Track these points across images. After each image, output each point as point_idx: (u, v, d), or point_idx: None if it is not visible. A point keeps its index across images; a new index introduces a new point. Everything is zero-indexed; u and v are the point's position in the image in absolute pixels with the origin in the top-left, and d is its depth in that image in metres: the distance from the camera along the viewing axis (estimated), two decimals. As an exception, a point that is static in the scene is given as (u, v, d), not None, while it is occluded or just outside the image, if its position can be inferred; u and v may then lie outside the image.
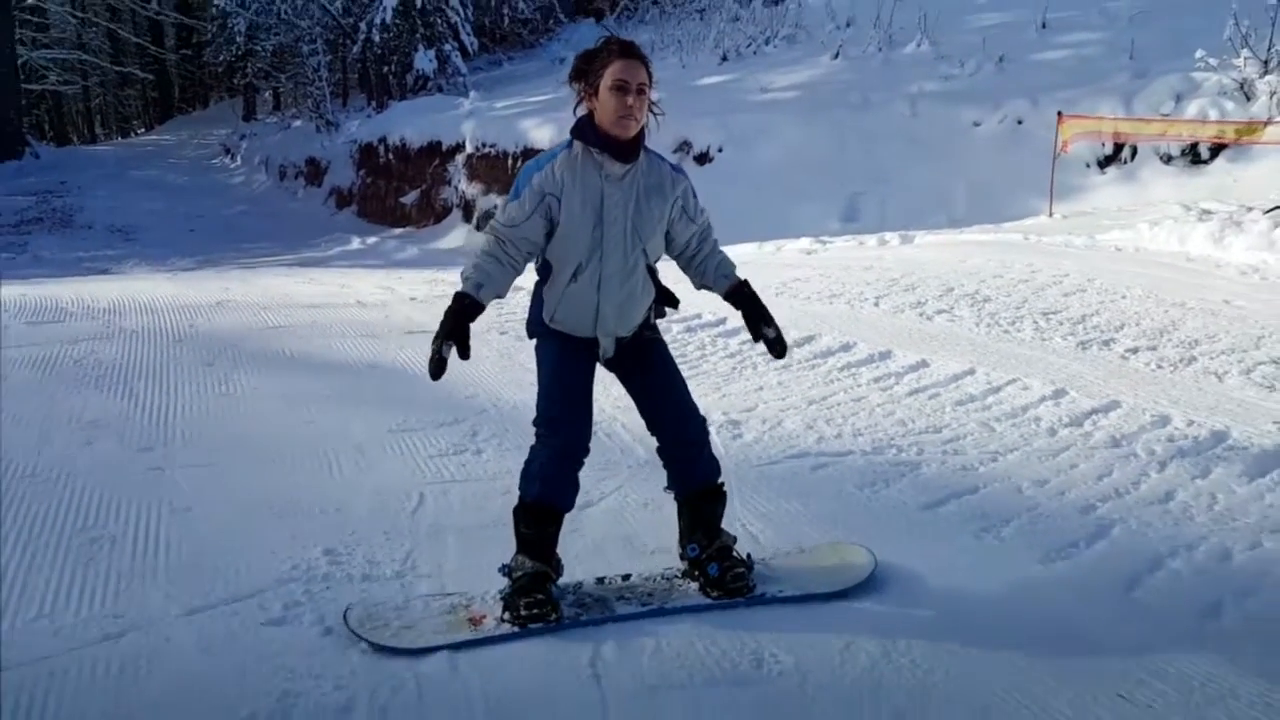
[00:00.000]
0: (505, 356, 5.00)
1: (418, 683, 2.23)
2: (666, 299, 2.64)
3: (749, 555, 2.66)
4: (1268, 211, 6.65)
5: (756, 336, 2.58)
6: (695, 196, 2.60)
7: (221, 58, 27.72)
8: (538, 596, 2.42)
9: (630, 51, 2.42)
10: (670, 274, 2.63)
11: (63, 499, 3.24)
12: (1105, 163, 10.68)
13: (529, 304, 2.60)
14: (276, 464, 3.56)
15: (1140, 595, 2.64)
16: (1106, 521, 3.04)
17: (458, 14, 20.93)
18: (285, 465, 3.55)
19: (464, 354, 2.37)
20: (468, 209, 15.42)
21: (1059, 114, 9.30)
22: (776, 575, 2.67)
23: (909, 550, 2.86)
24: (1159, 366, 4.49)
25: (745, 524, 3.03)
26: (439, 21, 20.78)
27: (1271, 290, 5.64)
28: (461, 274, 2.48)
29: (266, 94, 31.49)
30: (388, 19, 20.37)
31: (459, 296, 2.42)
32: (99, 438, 3.81)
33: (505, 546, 2.56)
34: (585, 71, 2.45)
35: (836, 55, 14.62)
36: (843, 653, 2.34)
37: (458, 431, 3.89)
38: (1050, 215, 8.89)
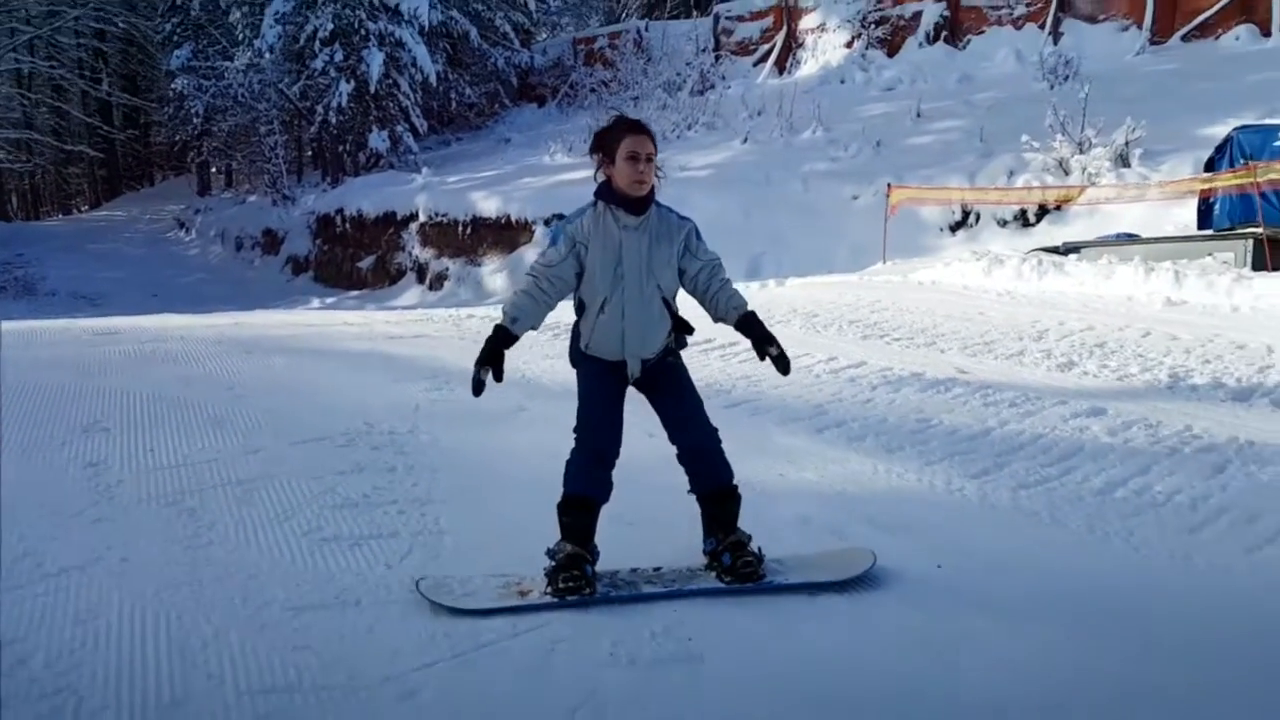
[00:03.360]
0: (463, 339, 7.18)
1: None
2: (683, 327, 3.14)
3: (760, 549, 3.12)
4: (1026, 254, 9.20)
5: (762, 356, 3.04)
6: (699, 238, 3.13)
7: (178, 137, 29.91)
8: (574, 573, 2.94)
9: (639, 128, 3.01)
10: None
11: (186, 407, 5.36)
12: (956, 227, 13.37)
13: (569, 340, 3.22)
14: (318, 394, 5.73)
15: (824, 434, 4.92)
16: (825, 410, 5.35)
17: (408, 99, 23.47)
18: (324, 393, 5.73)
19: (498, 377, 2.95)
20: (421, 272, 17.70)
21: (889, 185, 11.96)
22: (786, 569, 3.14)
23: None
24: (906, 347, 6.89)
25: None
26: (391, 105, 23.30)
27: (1014, 305, 8.10)
28: (501, 308, 3.06)
29: (215, 170, 33.70)
30: (343, 103, 22.82)
31: (497, 328, 2.99)
32: (193, 383, 5.95)
33: (470, 429, 4.67)
34: (602, 145, 3.03)
35: (745, 140, 17.38)
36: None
37: (435, 381, 6.08)
38: (884, 262, 11.42)
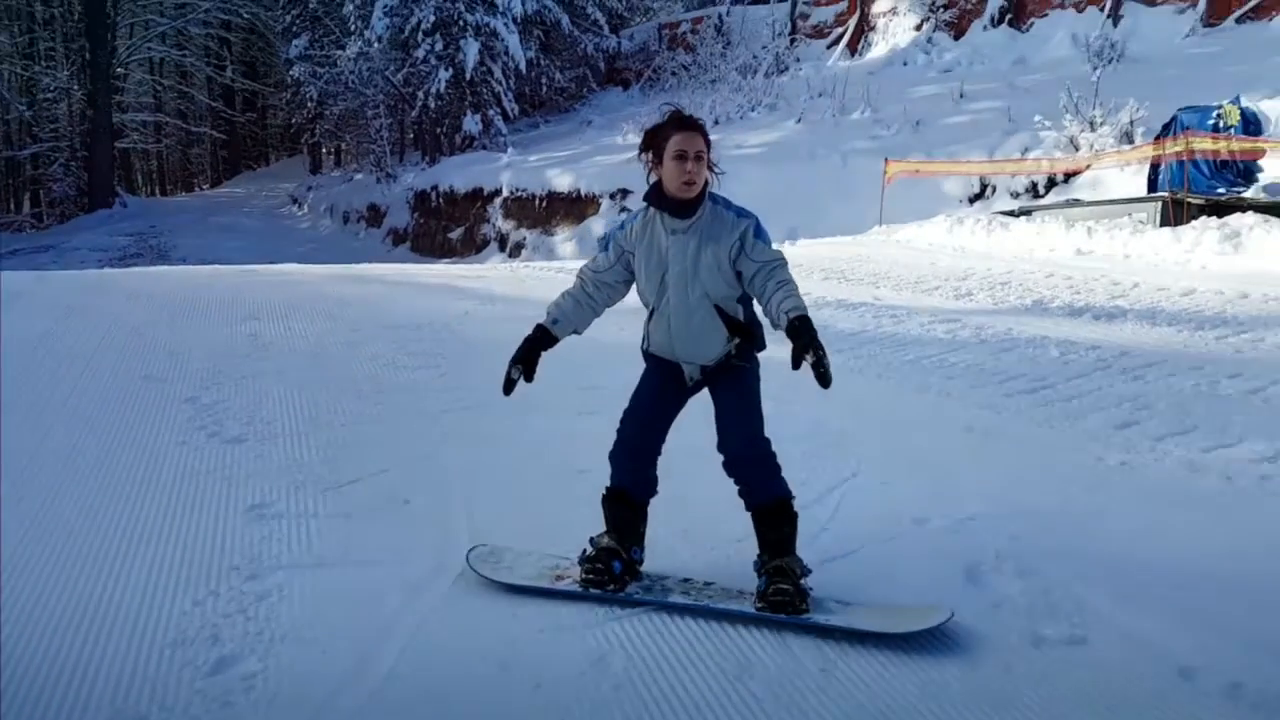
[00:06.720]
0: (515, 279, 9.80)
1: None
2: (743, 333, 3.03)
3: (805, 583, 2.93)
4: (980, 217, 11.30)
5: (796, 364, 2.74)
6: (759, 237, 2.97)
7: (293, 120, 33.70)
8: (597, 566, 3.04)
9: (687, 124, 2.96)
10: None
11: (309, 308, 8.06)
12: (974, 198, 15.38)
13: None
14: (401, 304, 8.42)
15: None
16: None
17: (500, 85, 26.40)
18: (404, 304, 8.40)
19: (529, 378, 3.02)
20: (503, 241, 20.57)
21: (885, 160, 14.10)
22: (844, 611, 2.92)
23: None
24: (851, 284, 9.19)
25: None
26: (485, 91, 26.27)
27: (961, 258, 10.26)
28: (546, 309, 3.12)
29: (326, 151, 37.56)
30: (442, 89, 25.89)
31: (538, 327, 3.07)
32: (313, 297, 8.68)
33: (503, 325, 7.24)
34: (651, 144, 2.99)
35: (799, 120, 19.60)
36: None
37: (483, 300, 8.68)
38: (880, 225, 13.59)
